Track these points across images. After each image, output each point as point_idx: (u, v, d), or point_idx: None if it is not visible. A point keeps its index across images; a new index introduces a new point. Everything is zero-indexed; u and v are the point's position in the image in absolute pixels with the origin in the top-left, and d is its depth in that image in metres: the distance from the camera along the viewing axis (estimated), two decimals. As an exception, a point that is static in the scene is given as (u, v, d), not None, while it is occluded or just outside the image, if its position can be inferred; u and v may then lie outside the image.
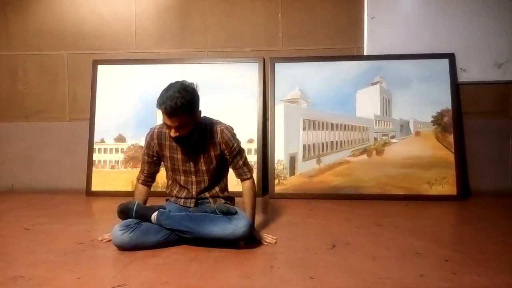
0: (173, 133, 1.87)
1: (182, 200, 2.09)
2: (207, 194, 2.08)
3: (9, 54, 3.45)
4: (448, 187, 3.00)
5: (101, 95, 3.38)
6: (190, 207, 2.06)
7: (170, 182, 2.15)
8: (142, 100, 3.33)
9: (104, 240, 2.00)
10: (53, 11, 3.41)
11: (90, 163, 3.33)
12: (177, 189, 2.11)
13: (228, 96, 3.26)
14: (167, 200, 2.18)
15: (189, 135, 1.92)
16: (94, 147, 3.35)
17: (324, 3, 3.26)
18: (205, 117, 2.04)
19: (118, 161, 3.33)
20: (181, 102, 1.78)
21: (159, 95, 1.85)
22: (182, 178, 2.06)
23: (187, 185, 2.07)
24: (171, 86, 1.86)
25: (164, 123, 1.90)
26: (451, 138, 3.09)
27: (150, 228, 1.90)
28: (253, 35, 3.32)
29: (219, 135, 1.98)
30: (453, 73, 3.14)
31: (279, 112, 3.23)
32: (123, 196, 2.90)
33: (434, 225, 2.35)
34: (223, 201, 2.09)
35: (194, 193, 2.06)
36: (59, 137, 3.45)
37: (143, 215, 1.92)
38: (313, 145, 3.19)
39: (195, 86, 1.90)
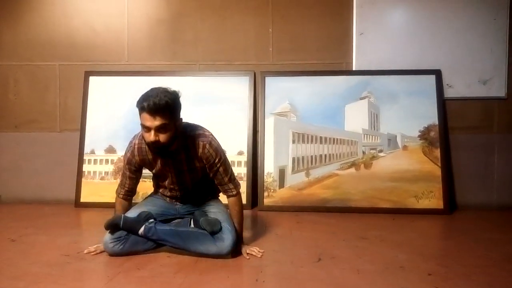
0: (152, 137, 1.76)
1: (168, 198, 2.14)
2: (193, 195, 2.12)
3: (0, 64, 3.46)
4: (435, 201, 3.04)
5: (92, 106, 3.39)
6: (176, 205, 2.13)
7: (154, 182, 2.19)
8: (132, 111, 3.28)
9: (90, 253, 2.00)
10: (45, 23, 3.43)
11: (79, 174, 3.32)
12: (161, 189, 2.14)
13: (219, 108, 3.29)
14: (154, 192, 2.20)
15: (168, 145, 1.82)
16: (84, 158, 3.34)
17: (314, 18, 3.32)
18: (187, 124, 1.96)
19: (108, 172, 3.33)
20: (165, 101, 1.73)
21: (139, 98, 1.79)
22: (166, 184, 2.07)
23: (171, 190, 2.09)
24: (153, 88, 1.80)
25: (143, 126, 1.79)
26: (437, 152, 3.14)
27: (139, 240, 1.95)
28: (244, 49, 3.36)
29: (200, 150, 1.91)
30: (440, 89, 3.20)
31: (269, 125, 3.27)
32: (112, 207, 2.85)
33: (419, 238, 2.38)
34: (209, 196, 2.15)
35: (178, 195, 2.10)
36: (49, 147, 3.45)
37: (130, 229, 1.94)
38: (302, 158, 3.22)
39: (178, 93, 1.84)
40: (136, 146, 1.98)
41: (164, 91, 1.78)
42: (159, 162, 1.98)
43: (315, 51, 3.33)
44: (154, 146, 1.81)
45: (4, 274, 1.74)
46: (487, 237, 2.38)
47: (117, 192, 2.10)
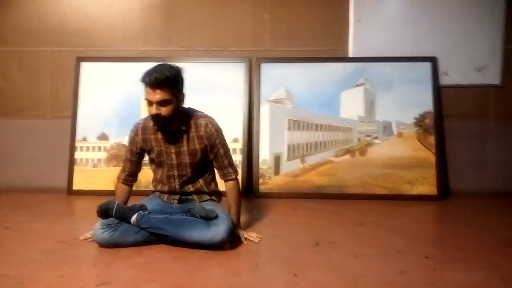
0: (154, 110, 1.83)
1: (166, 196, 2.09)
2: (191, 188, 2.06)
3: (-10, 49, 3.38)
4: (429, 187, 3.07)
5: (84, 93, 3.33)
6: (173, 204, 2.06)
7: (153, 178, 2.15)
8: (126, 97, 3.30)
9: (87, 239, 1.97)
10: (37, 6, 3.34)
11: (72, 162, 3.27)
12: (160, 185, 2.10)
13: (214, 95, 3.26)
14: (153, 192, 2.16)
15: (170, 119, 1.88)
16: (76, 145, 3.30)
17: (310, 5, 3.29)
18: (190, 107, 2.03)
19: (100, 159, 3.29)
20: (166, 75, 1.80)
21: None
22: (165, 172, 2.03)
23: (169, 179, 2.04)
24: (158, 64, 1.88)
25: (146, 100, 1.86)
26: (432, 139, 3.16)
27: (130, 228, 1.90)
28: (240, 35, 3.32)
29: (203, 129, 1.95)
30: (435, 76, 3.21)
31: (264, 112, 3.25)
32: (105, 195, 2.86)
33: (415, 224, 2.41)
34: (207, 197, 2.09)
35: (177, 187, 2.04)
36: (41, 135, 3.38)
37: (122, 216, 1.90)
38: (298, 145, 3.22)
39: (180, 69, 1.92)
40: (140, 126, 2.03)
41: (168, 66, 1.86)
42: (161, 141, 1.98)
43: (311, 38, 3.30)
44: (156, 119, 1.87)
45: (3, 260, 1.72)
46: (481, 222, 2.42)
47: (118, 177, 2.10)
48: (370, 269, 1.64)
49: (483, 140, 3.26)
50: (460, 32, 3.22)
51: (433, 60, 3.22)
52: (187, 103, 2.02)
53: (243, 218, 2.28)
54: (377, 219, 2.47)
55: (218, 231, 1.84)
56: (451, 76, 3.24)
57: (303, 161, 3.20)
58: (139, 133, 2.02)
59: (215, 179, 2.14)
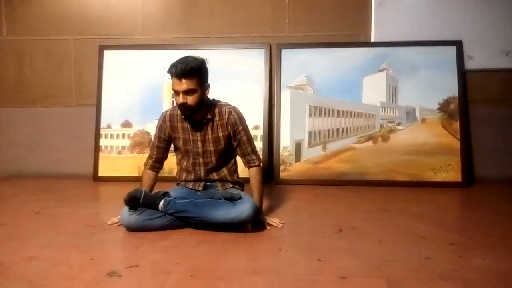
0: (181, 99, 1.92)
1: (191, 183, 2.13)
2: (215, 176, 2.11)
3: (15, 39, 3.45)
4: (453, 174, 3.02)
5: (108, 81, 3.38)
6: (198, 191, 2.10)
7: (179, 168, 2.19)
8: (148, 85, 3.34)
9: (114, 224, 2.03)
10: (59, -4, 3.40)
11: (97, 149, 3.35)
12: (185, 174, 2.15)
13: (234, 82, 3.26)
14: (177, 184, 2.20)
15: (196, 108, 1.96)
16: (101, 132, 3.36)
17: (331, -12, 3.23)
18: (214, 99, 2.12)
19: (124, 146, 3.35)
20: (191, 66, 1.90)
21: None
22: (190, 160, 2.09)
23: (194, 167, 2.09)
24: (183, 56, 1.97)
25: (173, 90, 1.96)
26: (456, 125, 3.09)
27: (157, 212, 1.94)
28: (260, 21, 3.30)
29: (226, 116, 2.04)
30: (460, 61, 3.12)
31: (285, 98, 3.24)
32: (129, 181, 2.94)
33: (439, 210, 2.38)
34: (230, 185, 2.13)
35: (202, 174, 2.09)
36: (66, 122, 3.47)
37: (150, 204, 1.94)
38: (319, 131, 3.20)
39: (205, 60, 2.01)
40: (168, 113, 2.12)
41: (192, 58, 1.95)
42: (187, 130, 2.06)
43: (332, 23, 3.25)
44: (182, 108, 1.96)
45: (33, 243, 1.78)
46: (508, 210, 2.37)
47: (145, 164, 2.17)
48: (394, 255, 1.63)
49: (508, 126, 3.17)
50: (486, 15, 3.11)
51: (458, 44, 3.13)
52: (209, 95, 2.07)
53: (264, 204, 2.29)
54: (400, 206, 2.45)
55: (243, 208, 1.89)
56: (477, 60, 3.15)
57: (324, 148, 3.19)
58: (167, 120, 2.09)
59: (237, 171, 2.20)
